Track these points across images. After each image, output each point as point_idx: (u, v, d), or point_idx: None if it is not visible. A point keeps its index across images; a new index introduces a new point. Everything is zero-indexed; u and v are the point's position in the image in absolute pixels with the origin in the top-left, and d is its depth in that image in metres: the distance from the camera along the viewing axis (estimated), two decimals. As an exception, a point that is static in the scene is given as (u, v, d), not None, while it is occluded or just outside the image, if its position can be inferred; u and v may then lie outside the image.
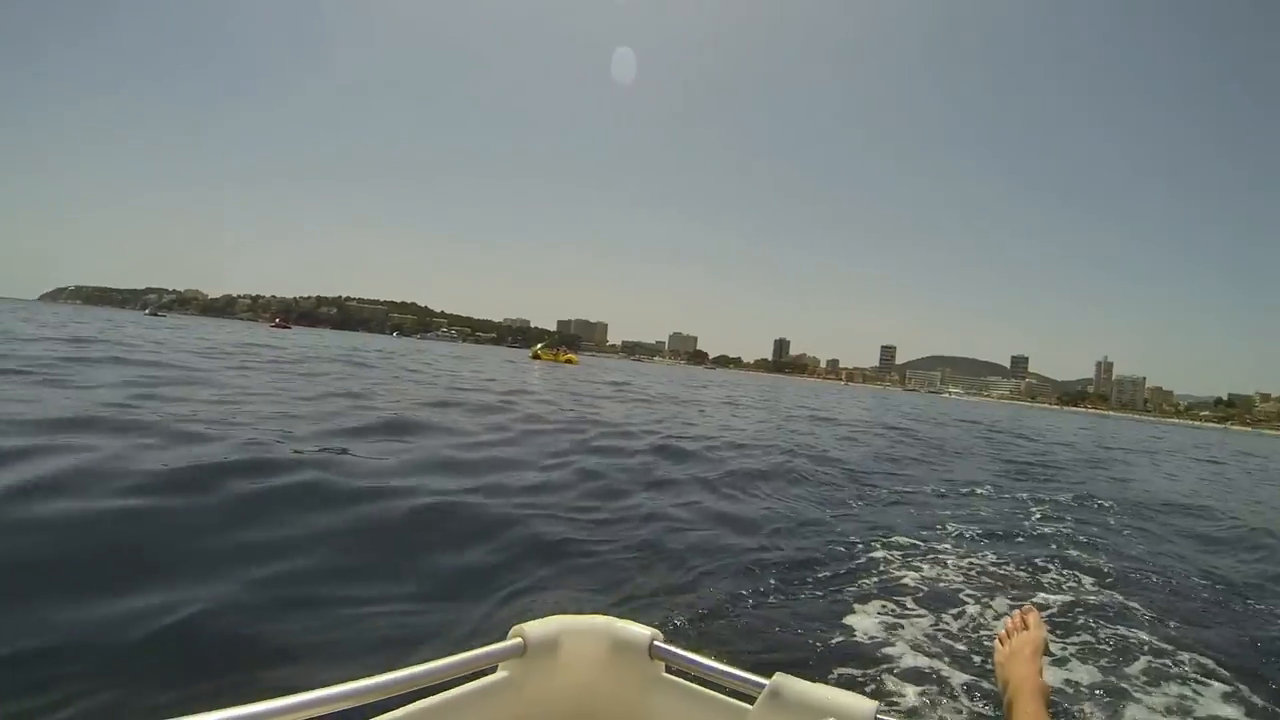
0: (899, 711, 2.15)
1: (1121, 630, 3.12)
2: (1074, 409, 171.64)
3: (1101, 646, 2.92)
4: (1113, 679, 2.58)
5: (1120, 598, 3.66)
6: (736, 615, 2.94)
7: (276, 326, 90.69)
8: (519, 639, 1.01)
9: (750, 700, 0.96)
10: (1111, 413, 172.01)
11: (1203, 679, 2.66)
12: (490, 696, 0.98)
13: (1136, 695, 2.45)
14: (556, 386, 17.82)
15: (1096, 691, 2.46)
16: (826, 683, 0.96)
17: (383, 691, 0.85)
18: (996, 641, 1.27)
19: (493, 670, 1.01)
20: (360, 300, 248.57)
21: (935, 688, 2.36)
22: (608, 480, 5.28)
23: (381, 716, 0.89)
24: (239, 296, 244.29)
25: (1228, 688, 2.60)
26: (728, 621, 2.86)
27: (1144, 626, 3.20)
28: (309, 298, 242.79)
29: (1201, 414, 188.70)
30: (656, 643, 1.06)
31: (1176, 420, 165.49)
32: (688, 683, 1.04)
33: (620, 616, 1.14)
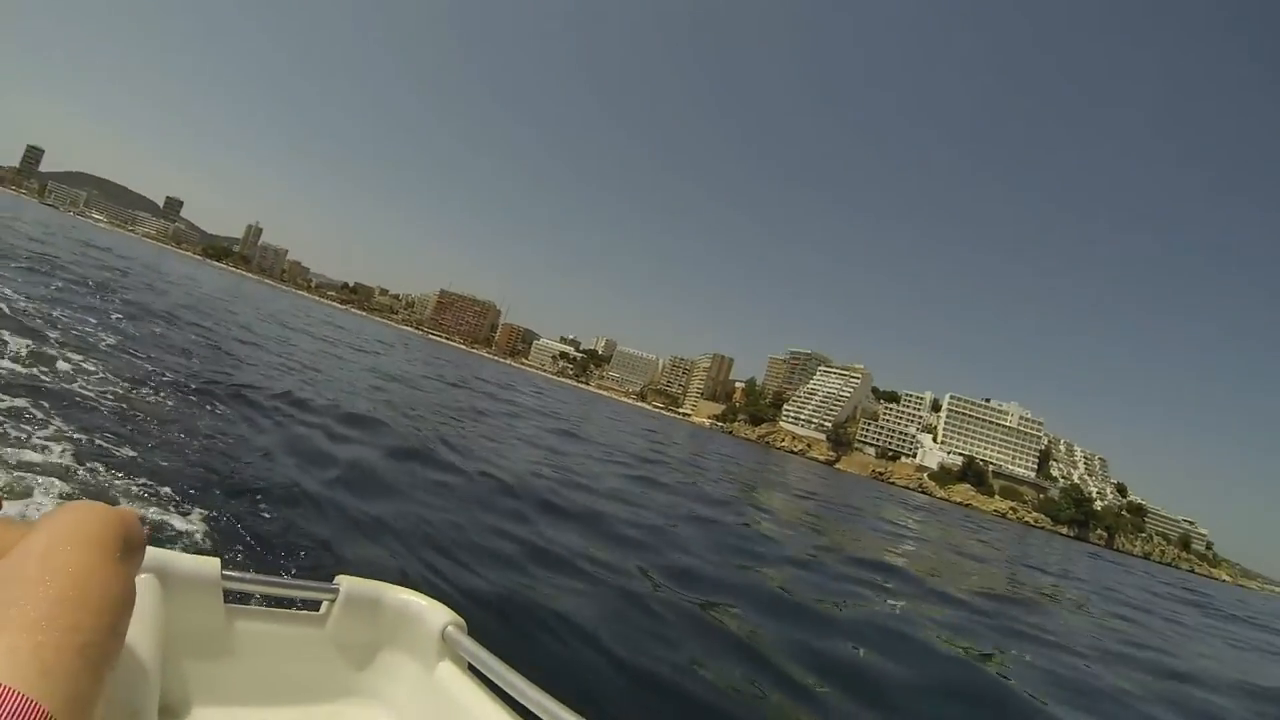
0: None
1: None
2: (216, 263, 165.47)
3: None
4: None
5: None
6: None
7: None
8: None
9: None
10: (250, 274, 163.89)
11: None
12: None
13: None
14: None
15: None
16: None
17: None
18: None
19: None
20: None
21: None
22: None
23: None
24: None
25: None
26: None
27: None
28: None
29: (330, 293, 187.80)
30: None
31: (305, 294, 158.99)
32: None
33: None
